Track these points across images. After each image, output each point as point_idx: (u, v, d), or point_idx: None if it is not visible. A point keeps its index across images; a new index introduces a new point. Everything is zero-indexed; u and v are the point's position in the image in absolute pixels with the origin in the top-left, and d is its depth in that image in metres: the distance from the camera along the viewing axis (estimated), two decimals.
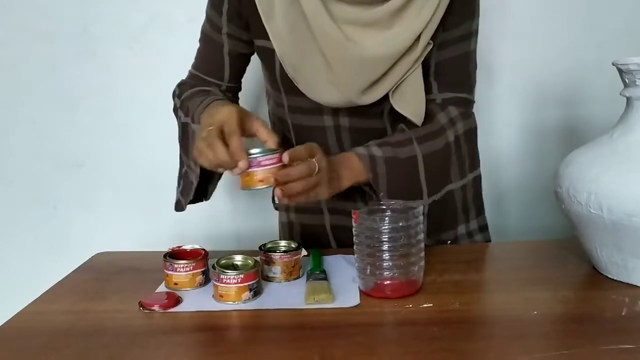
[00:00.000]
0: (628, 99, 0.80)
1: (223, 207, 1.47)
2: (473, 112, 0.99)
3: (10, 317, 0.75)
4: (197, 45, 1.02)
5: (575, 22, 1.39)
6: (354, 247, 0.79)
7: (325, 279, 0.83)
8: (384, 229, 0.76)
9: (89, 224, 1.50)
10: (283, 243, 0.89)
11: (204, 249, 0.86)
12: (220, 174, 0.95)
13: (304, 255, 0.88)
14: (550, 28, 1.39)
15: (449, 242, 1.00)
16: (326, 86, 0.90)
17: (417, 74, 0.91)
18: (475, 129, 0.99)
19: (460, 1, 0.91)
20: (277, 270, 0.84)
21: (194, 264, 0.83)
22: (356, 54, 0.86)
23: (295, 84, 0.93)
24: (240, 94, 1.07)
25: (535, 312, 0.71)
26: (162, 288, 0.84)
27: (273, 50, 0.92)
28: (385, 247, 0.76)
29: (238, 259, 0.82)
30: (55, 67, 1.43)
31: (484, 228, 1.05)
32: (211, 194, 0.98)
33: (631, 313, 0.71)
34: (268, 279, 0.85)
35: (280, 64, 0.92)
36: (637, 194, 0.72)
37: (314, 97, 0.93)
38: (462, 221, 1.01)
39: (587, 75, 1.40)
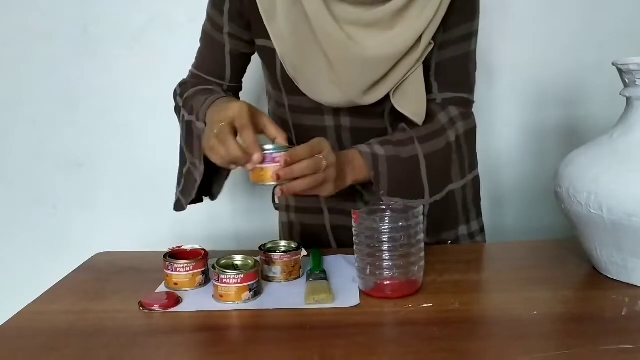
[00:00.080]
0: (628, 99, 0.80)
1: (223, 207, 1.47)
2: (473, 112, 0.99)
3: (10, 317, 0.75)
4: (198, 45, 1.02)
5: (575, 22, 1.39)
6: (354, 247, 0.79)
7: (325, 279, 0.83)
8: (384, 229, 0.76)
9: (89, 224, 1.50)
10: (283, 243, 0.89)
11: (204, 249, 0.86)
12: (227, 174, 0.94)
13: (304, 255, 0.88)
14: (550, 28, 1.39)
15: (450, 242, 1.00)
16: (328, 86, 0.90)
17: (419, 73, 0.91)
18: (475, 129, 0.99)
19: (462, 1, 0.91)
20: (277, 270, 0.84)
21: (194, 264, 0.83)
22: (358, 54, 0.87)
23: (296, 84, 0.93)
24: (240, 94, 1.07)
25: (535, 312, 0.71)
26: (162, 288, 0.84)
27: (274, 50, 0.92)
28: (385, 247, 0.76)
29: (238, 259, 0.82)
30: (55, 67, 1.43)
31: (482, 230, 1.05)
32: (218, 194, 0.97)
33: (631, 313, 0.71)
34: (268, 279, 0.85)
35: (281, 64, 0.92)
36: (637, 194, 0.72)
37: (316, 98, 0.93)
38: (463, 221, 1.01)
39: (587, 75, 1.40)
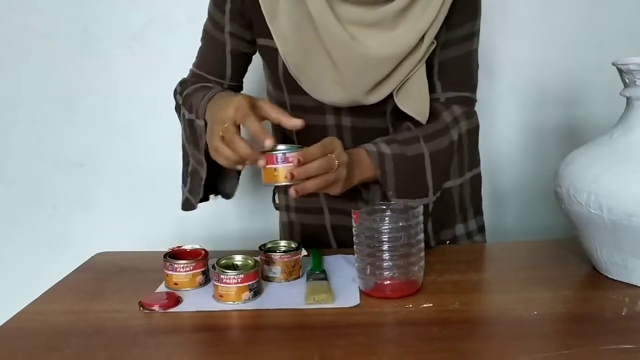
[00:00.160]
0: (628, 99, 0.80)
1: (223, 207, 1.47)
2: (475, 111, 0.99)
3: (10, 317, 0.75)
4: (198, 45, 1.02)
5: (575, 22, 1.39)
6: (354, 247, 0.79)
7: (325, 279, 0.83)
8: (384, 229, 0.76)
9: (89, 224, 1.50)
10: (283, 243, 0.89)
11: (204, 249, 0.86)
12: (239, 172, 0.93)
13: (304, 255, 0.88)
14: (550, 28, 1.39)
15: (448, 242, 1.00)
16: (332, 86, 0.90)
17: (421, 72, 0.91)
18: (478, 127, 0.99)
19: (463, 1, 0.91)
20: (277, 270, 0.84)
21: (194, 264, 0.83)
22: (362, 54, 0.87)
23: (299, 84, 0.93)
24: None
25: (535, 312, 0.71)
26: (162, 288, 0.84)
27: (276, 50, 0.92)
28: (385, 247, 0.76)
29: (238, 259, 0.82)
30: (55, 67, 1.43)
31: (482, 229, 1.05)
32: (233, 193, 0.95)
33: (631, 313, 0.71)
34: (268, 279, 0.85)
35: (284, 63, 0.92)
36: (637, 194, 0.72)
37: (319, 97, 0.93)
38: (460, 220, 1.01)
39: (587, 75, 1.40)
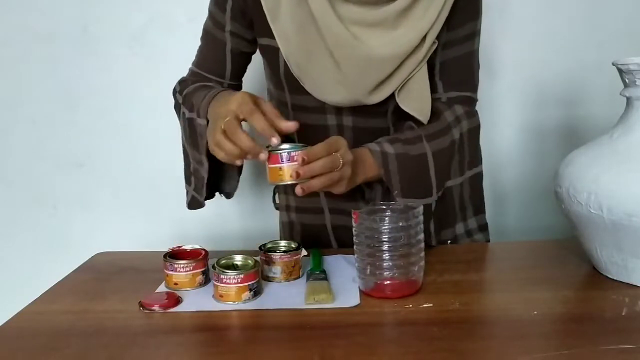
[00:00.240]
0: (628, 99, 0.80)
1: (223, 207, 1.47)
2: (477, 111, 0.99)
3: (10, 317, 0.75)
4: (198, 45, 1.02)
5: (575, 22, 1.39)
6: (354, 247, 0.79)
7: (325, 279, 0.83)
8: (384, 229, 0.76)
9: (89, 224, 1.50)
10: (283, 243, 0.89)
11: (204, 249, 0.86)
12: (240, 171, 0.93)
13: (304, 255, 0.88)
14: (550, 28, 1.39)
15: (449, 241, 1.00)
16: (334, 86, 0.90)
17: (423, 72, 0.92)
18: (479, 127, 0.99)
19: (465, 1, 0.91)
20: (277, 270, 0.84)
21: (194, 264, 0.83)
22: (364, 54, 0.87)
23: (302, 84, 0.93)
24: None
25: (535, 312, 0.71)
26: (162, 288, 0.84)
27: (277, 49, 0.92)
28: (385, 247, 0.76)
29: (238, 259, 0.82)
30: (55, 67, 1.43)
31: (483, 227, 1.05)
32: (233, 192, 0.95)
33: (631, 313, 0.71)
34: (268, 279, 0.85)
35: (285, 63, 0.92)
36: (637, 194, 0.72)
37: (321, 97, 0.93)
38: (460, 219, 1.01)
39: (587, 75, 1.40)
